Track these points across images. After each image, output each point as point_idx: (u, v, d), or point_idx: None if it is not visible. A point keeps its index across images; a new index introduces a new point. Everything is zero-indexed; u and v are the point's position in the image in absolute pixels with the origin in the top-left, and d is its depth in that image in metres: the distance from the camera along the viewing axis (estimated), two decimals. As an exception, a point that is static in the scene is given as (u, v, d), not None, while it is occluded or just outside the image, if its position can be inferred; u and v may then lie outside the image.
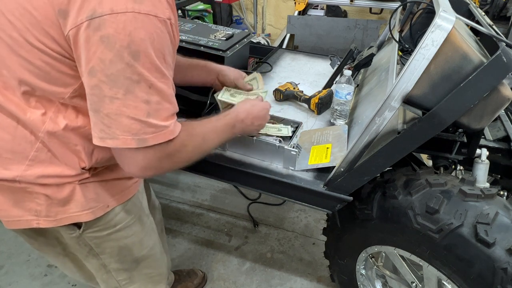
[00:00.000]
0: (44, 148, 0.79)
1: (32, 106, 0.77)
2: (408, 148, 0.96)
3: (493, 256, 0.91)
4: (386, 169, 1.11)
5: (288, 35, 3.06)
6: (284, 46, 2.96)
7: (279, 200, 2.16)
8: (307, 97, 1.40)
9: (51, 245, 0.99)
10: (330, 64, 1.63)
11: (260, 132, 1.14)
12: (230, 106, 1.20)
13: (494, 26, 1.15)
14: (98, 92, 0.69)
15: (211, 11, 3.53)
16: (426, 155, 1.44)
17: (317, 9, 3.64)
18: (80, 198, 0.86)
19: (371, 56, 1.44)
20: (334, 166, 1.05)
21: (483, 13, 1.33)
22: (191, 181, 2.40)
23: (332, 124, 1.32)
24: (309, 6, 3.35)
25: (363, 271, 1.37)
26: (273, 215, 2.15)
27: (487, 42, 1.03)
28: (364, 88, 1.43)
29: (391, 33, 1.41)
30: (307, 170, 1.13)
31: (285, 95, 1.45)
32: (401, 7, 1.48)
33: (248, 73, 1.32)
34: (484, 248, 0.92)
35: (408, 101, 0.91)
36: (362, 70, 1.57)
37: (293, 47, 3.10)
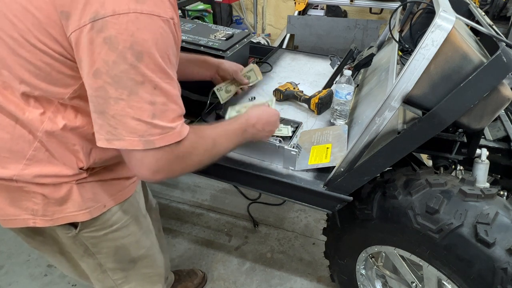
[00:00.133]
0: (42, 147, 0.79)
1: (31, 105, 0.77)
2: (408, 148, 0.96)
3: (493, 256, 0.91)
4: (386, 169, 1.11)
5: (288, 35, 3.07)
6: (284, 46, 2.96)
7: (279, 200, 2.16)
8: (307, 97, 1.40)
9: (48, 244, 0.99)
10: (330, 64, 1.63)
11: None
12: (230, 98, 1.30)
13: (494, 26, 1.15)
14: (103, 94, 0.69)
15: (211, 11, 3.53)
16: (426, 155, 1.44)
17: (317, 9, 3.65)
18: (77, 198, 0.86)
19: (371, 56, 1.44)
20: (334, 166, 1.05)
21: (483, 13, 1.33)
22: (191, 181, 2.40)
23: (332, 124, 1.32)
24: (309, 6, 3.35)
25: (363, 271, 1.37)
26: (273, 215, 2.15)
27: (487, 42, 1.03)
28: (364, 88, 1.43)
29: (391, 33, 1.41)
30: (307, 170, 1.13)
31: (285, 95, 1.45)
32: (401, 7, 1.48)
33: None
34: (484, 248, 0.92)
35: (408, 101, 0.91)
36: (362, 70, 1.57)
37: (293, 47, 3.10)
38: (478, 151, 1.14)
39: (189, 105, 1.42)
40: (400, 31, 1.49)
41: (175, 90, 0.74)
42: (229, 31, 1.57)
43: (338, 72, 1.50)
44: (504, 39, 0.94)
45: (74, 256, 1.00)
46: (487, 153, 1.14)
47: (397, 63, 1.22)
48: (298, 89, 1.48)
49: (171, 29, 0.71)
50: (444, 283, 1.08)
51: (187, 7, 2.60)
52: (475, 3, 2.24)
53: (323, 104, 1.37)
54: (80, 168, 0.84)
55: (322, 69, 1.76)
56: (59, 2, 0.66)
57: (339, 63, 1.52)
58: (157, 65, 0.69)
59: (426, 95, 0.90)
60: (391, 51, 1.33)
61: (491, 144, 1.24)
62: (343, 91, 1.25)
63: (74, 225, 0.90)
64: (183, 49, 1.40)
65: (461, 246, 0.95)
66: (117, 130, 0.70)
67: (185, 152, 0.78)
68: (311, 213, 2.16)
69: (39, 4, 0.68)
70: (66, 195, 0.84)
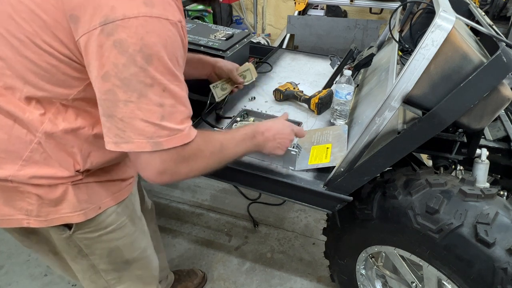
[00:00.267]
0: (40, 148, 0.79)
1: (32, 106, 0.77)
2: (408, 148, 0.96)
3: (493, 256, 0.91)
4: (386, 169, 1.11)
5: (288, 35, 3.07)
6: (284, 46, 2.96)
7: (279, 200, 2.17)
8: (307, 97, 1.40)
9: (41, 244, 0.99)
10: (330, 64, 1.63)
11: None
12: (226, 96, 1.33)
13: (494, 26, 1.15)
14: (112, 97, 0.69)
15: (211, 11, 3.53)
16: (426, 155, 1.44)
17: (317, 9, 3.65)
18: (72, 199, 0.85)
19: (371, 56, 1.44)
20: (334, 166, 1.05)
21: (483, 13, 1.33)
22: (191, 181, 2.40)
23: (332, 124, 1.32)
24: (309, 6, 3.35)
25: (363, 271, 1.37)
26: (273, 215, 2.15)
27: (487, 42, 1.03)
28: (364, 88, 1.43)
29: (391, 33, 1.41)
30: (307, 170, 1.13)
31: (285, 95, 1.45)
32: (401, 7, 1.48)
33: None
34: (484, 248, 0.92)
35: (408, 101, 0.91)
36: (362, 70, 1.57)
37: (293, 47, 3.10)
38: (478, 151, 1.14)
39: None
40: (400, 31, 1.49)
41: (183, 92, 0.75)
42: (229, 31, 1.57)
43: (338, 72, 1.50)
44: (504, 39, 0.94)
45: (67, 257, 0.99)
46: (487, 153, 1.14)
47: (397, 63, 1.22)
48: (298, 89, 1.48)
49: (179, 32, 0.72)
50: (444, 283, 1.08)
51: (187, 7, 2.61)
52: (475, 3, 2.24)
53: (323, 104, 1.37)
54: (77, 171, 0.84)
55: (322, 69, 1.76)
56: (68, 6, 0.67)
57: (339, 63, 1.52)
58: (166, 68, 0.70)
59: (426, 95, 0.90)
60: (391, 51, 1.33)
61: (491, 144, 1.24)
62: (343, 91, 1.25)
63: (68, 226, 0.89)
64: (183, 49, 1.40)
65: (461, 246, 0.95)
66: (125, 133, 0.71)
67: (191, 154, 0.78)
68: (311, 213, 2.16)
69: (46, 6, 0.69)
70: (61, 196, 0.84)
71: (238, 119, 1.26)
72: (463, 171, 1.21)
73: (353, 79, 1.36)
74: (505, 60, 0.81)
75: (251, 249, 1.94)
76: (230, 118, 1.31)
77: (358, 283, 1.40)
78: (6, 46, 0.73)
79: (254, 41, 2.69)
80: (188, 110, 0.77)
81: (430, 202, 0.99)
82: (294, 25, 3.05)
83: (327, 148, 1.14)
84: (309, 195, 1.09)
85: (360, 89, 1.47)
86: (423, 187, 1.04)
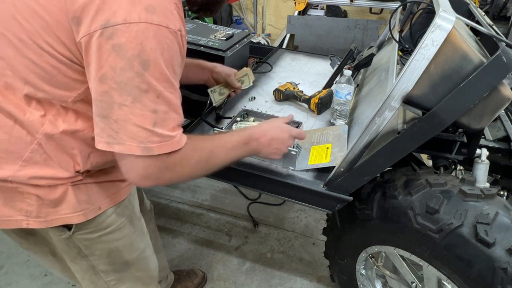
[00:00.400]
0: (40, 149, 0.79)
1: (32, 107, 0.77)
2: (408, 148, 0.96)
3: (493, 256, 0.91)
4: (386, 169, 1.11)
5: (288, 35, 3.07)
6: (284, 46, 2.96)
7: (279, 200, 2.17)
8: (307, 97, 1.40)
9: (40, 245, 0.98)
10: (330, 64, 1.63)
11: None
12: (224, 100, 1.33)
13: (494, 26, 1.15)
14: (107, 99, 0.70)
15: (211, 11, 3.52)
16: (426, 155, 1.44)
17: (317, 9, 3.65)
18: (72, 200, 0.85)
19: (371, 56, 1.44)
20: (334, 166, 1.05)
21: (483, 13, 1.33)
22: (191, 181, 2.40)
23: (332, 124, 1.32)
24: (309, 6, 3.35)
25: (363, 271, 1.37)
26: (273, 215, 2.15)
27: (487, 42, 1.03)
28: (364, 88, 1.43)
29: (391, 33, 1.41)
30: (307, 170, 1.13)
31: (285, 95, 1.45)
32: (401, 7, 1.48)
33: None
34: (484, 248, 0.92)
35: (408, 101, 0.91)
36: (362, 70, 1.57)
37: (293, 47, 3.10)
38: (478, 151, 1.14)
39: (189, 105, 1.43)
40: (400, 31, 1.49)
41: (177, 100, 0.76)
42: (229, 31, 1.57)
43: (338, 72, 1.50)
44: (504, 39, 0.94)
45: (66, 258, 0.99)
46: (487, 153, 1.14)
47: (397, 63, 1.22)
48: (298, 89, 1.48)
49: (177, 41, 0.73)
50: (444, 283, 1.08)
51: (187, 7, 2.60)
52: (475, 3, 2.24)
53: (323, 104, 1.37)
54: (77, 171, 0.84)
55: (322, 69, 1.76)
56: (71, 7, 0.68)
57: (339, 63, 1.52)
58: (162, 74, 0.71)
59: (426, 95, 0.90)
60: (391, 51, 1.33)
61: (491, 144, 1.24)
62: (343, 91, 1.25)
63: (68, 227, 0.89)
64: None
65: (461, 246, 0.95)
66: (118, 134, 0.72)
67: (176, 162, 0.79)
68: (311, 213, 2.16)
69: (49, 7, 0.69)
70: (61, 196, 0.84)
71: (238, 119, 1.26)
72: (463, 171, 1.21)
73: (353, 79, 1.36)
74: (505, 60, 0.81)
75: (251, 249, 1.94)
76: (230, 118, 1.31)
77: (358, 283, 1.40)
78: (7, 46, 0.73)
79: (254, 41, 2.69)
80: (180, 118, 0.78)
81: (430, 202, 0.99)
82: (294, 25, 3.05)
83: (327, 148, 1.14)
84: (309, 195, 1.09)
85: (360, 89, 1.47)
86: (423, 187, 1.04)
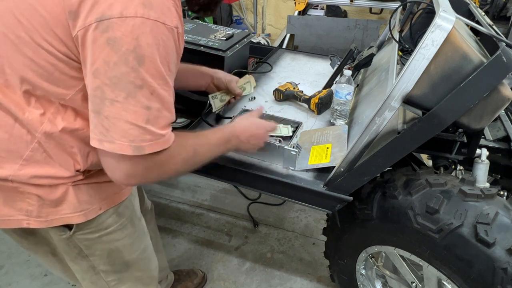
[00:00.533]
0: (40, 148, 0.79)
1: (32, 105, 0.77)
2: (408, 148, 0.96)
3: (493, 256, 0.91)
4: (386, 169, 1.11)
5: (288, 35, 3.06)
6: (284, 46, 2.96)
7: (279, 200, 2.17)
8: (307, 97, 1.40)
9: (41, 245, 0.98)
10: (330, 64, 1.63)
11: None
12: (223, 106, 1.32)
13: (494, 26, 1.15)
14: (100, 94, 0.69)
15: (211, 11, 3.52)
16: (426, 155, 1.44)
17: (317, 9, 3.65)
18: (72, 200, 0.85)
19: (371, 56, 1.44)
20: (334, 166, 1.05)
21: (483, 13, 1.33)
22: (191, 181, 2.40)
23: (332, 124, 1.32)
24: (309, 6, 3.35)
25: (363, 271, 1.37)
26: (273, 215, 2.15)
27: (487, 42, 1.03)
28: (364, 88, 1.43)
29: (391, 33, 1.41)
30: (307, 170, 1.13)
31: (285, 95, 1.45)
32: (401, 7, 1.48)
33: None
34: (484, 248, 0.92)
35: (408, 101, 0.91)
36: (362, 70, 1.57)
37: (293, 47, 3.10)
38: (478, 151, 1.14)
39: (189, 105, 1.44)
40: (400, 31, 1.49)
41: (170, 98, 0.75)
42: (229, 31, 1.57)
43: (338, 72, 1.50)
44: (504, 39, 0.94)
45: (66, 258, 0.99)
46: (487, 153, 1.14)
47: (397, 63, 1.22)
48: (298, 89, 1.47)
49: (174, 38, 0.72)
50: (444, 283, 1.08)
51: (187, 7, 2.60)
52: (475, 3, 2.24)
53: (323, 104, 1.37)
54: (77, 170, 0.84)
55: (322, 69, 1.76)
56: (68, 2, 0.67)
57: (339, 63, 1.52)
58: (157, 71, 0.70)
59: (426, 95, 0.90)
60: (391, 51, 1.33)
61: (491, 144, 1.24)
62: (343, 91, 1.25)
63: (68, 227, 0.89)
64: (184, 49, 1.40)
65: (461, 246, 0.95)
66: (109, 132, 0.71)
67: (163, 160, 0.78)
68: (311, 213, 2.16)
69: (47, 4, 0.69)
70: (61, 196, 0.84)
71: None
72: (463, 171, 1.21)
73: (353, 79, 1.36)
74: (505, 60, 0.81)
75: (251, 249, 1.94)
76: (230, 118, 1.31)
77: (358, 283, 1.40)
78: (5, 44, 0.73)
79: (254, 41, 2.68)
80: (172, 116, 0.77)
81: (430, 202, 0.99)
82: (294, 25, 3.04)
83: (327, 148, 1.14)
84: (309, 195, 1.09)
85: (360, 89, 1.47)
86: (423, 187, 1.04)
